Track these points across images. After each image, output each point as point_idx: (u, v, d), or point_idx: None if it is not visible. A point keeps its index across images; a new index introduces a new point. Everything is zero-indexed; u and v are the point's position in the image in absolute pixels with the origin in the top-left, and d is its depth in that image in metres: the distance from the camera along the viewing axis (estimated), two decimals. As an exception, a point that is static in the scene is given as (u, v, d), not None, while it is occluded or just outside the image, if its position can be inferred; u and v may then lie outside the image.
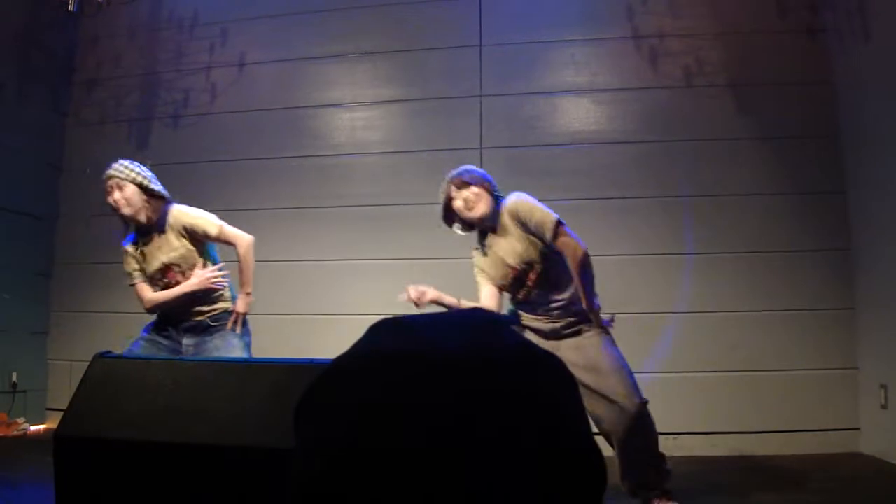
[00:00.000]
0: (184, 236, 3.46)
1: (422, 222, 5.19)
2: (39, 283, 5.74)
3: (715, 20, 5.16)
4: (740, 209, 4.92)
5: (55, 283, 5.82)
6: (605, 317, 3.14)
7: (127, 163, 3.57)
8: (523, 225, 3.11)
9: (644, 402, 2.96)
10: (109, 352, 2.25)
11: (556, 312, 3.17)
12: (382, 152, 5.41)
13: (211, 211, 3.56)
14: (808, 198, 4.89)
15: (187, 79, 5.78)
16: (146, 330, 3.52)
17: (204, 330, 3.48)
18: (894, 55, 4.19)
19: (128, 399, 2.09)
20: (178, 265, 3.45)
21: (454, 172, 3.28)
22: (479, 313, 0.78)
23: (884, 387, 4.30)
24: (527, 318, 3.24)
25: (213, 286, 3.47)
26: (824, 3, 5.03)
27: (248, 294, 3.54)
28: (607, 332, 3.13)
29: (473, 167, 3.32)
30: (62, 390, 5.32)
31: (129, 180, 3.50)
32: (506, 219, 3.18)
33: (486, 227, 3.29)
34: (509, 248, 3.17)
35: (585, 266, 3.05)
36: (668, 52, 5.16)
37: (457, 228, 3.40)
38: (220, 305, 3.53)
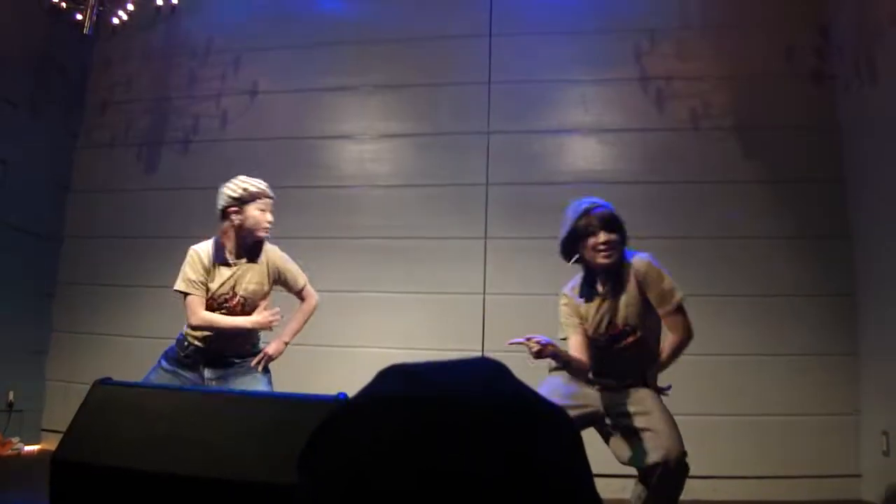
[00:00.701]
0: (269, 275, 3.48)
1: (426, 256, 5.21)
2: (42, 302, 5.74)
3: (722, 63, 5.21)
4: (744, 252, 4.92)
5: (57, 303, 5.82)
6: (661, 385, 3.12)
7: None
8: (644, 288, 3.03)
9: (685, 453, 2.93)
10: (109, 378, 2.25)
11: (623, 374, 3.08)
12: (389, 185, 5.43)
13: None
14: (812, 242, 4.90)
15: (199, 105, 5.83)
16: (165, 359, 3.45)
17: (227, 365, 3.45)
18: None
19: (127, 426, 2.08)
20: (246, 298, 3.44)
21: (601, 208, 3.12)
22: (486, 362, 0.79)
23: (886, 433, 4.28)
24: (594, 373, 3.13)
25: (269, 327, 3.46)
26: (831, 48, 5.08)
27: (285, 343, 3.54)
28: (660, 394, 3.10)
29: (612, 206, 3.18)
30: (58, 411, 5.30)
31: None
32: (629, 276, 3.06)
33: (602, 276, 3.12)
34: (621, 306, 3.05)
35: (682, 349, 3.07)
36: (675, 95, 5.20)
37: (573, 262, 3.19)
38: (249, 347, 3.54)
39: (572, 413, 2.96)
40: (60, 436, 2.13)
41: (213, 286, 3.43)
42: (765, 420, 4.69)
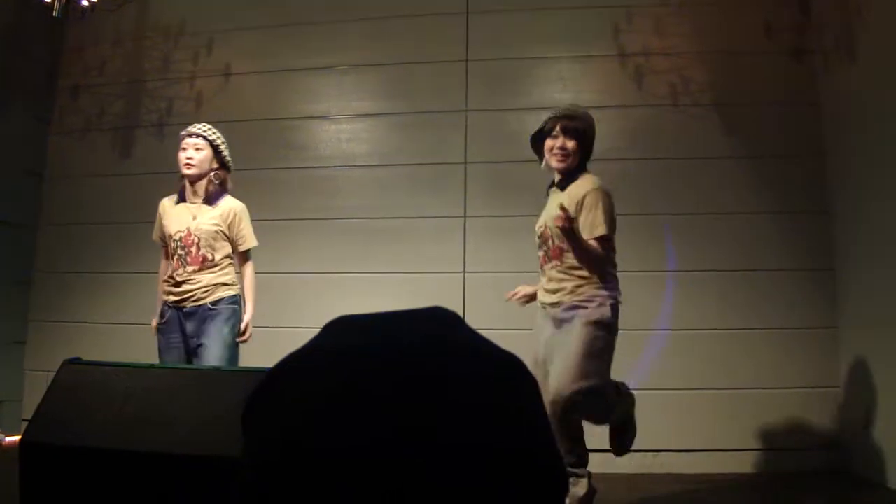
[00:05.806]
0: (223, 218, 3.71)
1: (405, 235, 5.18)
2: (18, 291, 5.65)
3: (700, 39, 5.18)
4: (724, 227, 4.92)
5: (34, 291, 5.74)
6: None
7: (209, 126, 3.85)
8: (577, 209, 3.16)
9: (577, 392, 3.00)
10: (78, 358, 2.21)
11: (567, 281, 3.22)
12: (367, 165, 5.39)
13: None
14: (792, 217, 4.90)
15: (172, 87, 5.74)
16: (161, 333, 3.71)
17: (203, 314, 3.63)
18: (878, 77, 4.23)
19: (96, 406, 2.05)
20: (199, 238, 3.63)
21: (565, 113, 3.33)
22: (436, 311, 0.76)
23: (866, 405, 4.30)
24: (546, 289, 3.31)
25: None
26: (810, 24, 5.07)
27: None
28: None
29: (586, 113, 3.37)
30: (39, 401, 5.23)
31: (209, 143, 3.78)
32: (573, 188, 3.26)
33: (558, 177, 3.36)
34: (554, 207, 3.20)
35: (588, 264, 3.17)
36: (654, 71, 5.18)
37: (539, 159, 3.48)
38: (223, 293, 3.72)
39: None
40: (42, 426, 2.10)
41: (172, 225, 3.69)
42: (745, 393, 4.71)
